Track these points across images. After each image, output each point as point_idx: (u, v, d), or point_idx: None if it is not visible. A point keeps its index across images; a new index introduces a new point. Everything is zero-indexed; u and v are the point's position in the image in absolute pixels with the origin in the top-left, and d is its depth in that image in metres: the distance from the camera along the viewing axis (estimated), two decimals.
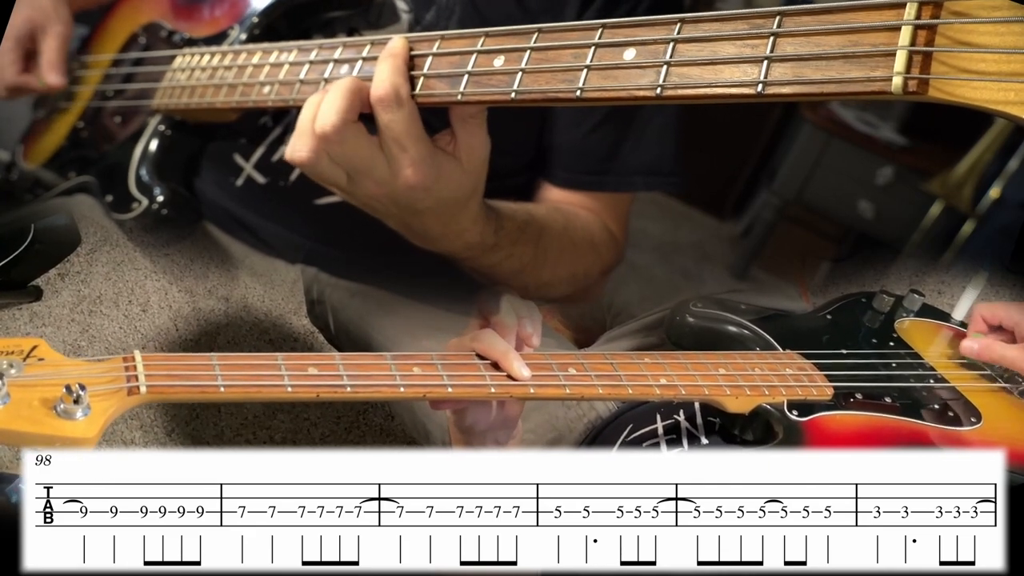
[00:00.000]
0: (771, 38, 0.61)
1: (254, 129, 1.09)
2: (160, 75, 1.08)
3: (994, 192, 1.62)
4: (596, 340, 1.10)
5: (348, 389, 0.65)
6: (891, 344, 0.86)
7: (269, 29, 1.07)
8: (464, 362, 0.69)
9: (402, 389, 0.66)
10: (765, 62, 0.61)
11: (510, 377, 0.68)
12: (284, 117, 1.09)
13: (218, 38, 1.08)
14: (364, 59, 0.82)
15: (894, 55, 0.57)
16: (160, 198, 1.04)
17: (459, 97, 0.75)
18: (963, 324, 0.92)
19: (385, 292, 1.09)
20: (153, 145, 1.07)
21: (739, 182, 2.02)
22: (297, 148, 0.79)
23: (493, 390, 0.68)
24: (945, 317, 0.93)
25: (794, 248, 1.90)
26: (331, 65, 0.85)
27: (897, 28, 0.57)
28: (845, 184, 1.84)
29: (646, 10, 1.02)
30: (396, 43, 0.77)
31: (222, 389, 0.61)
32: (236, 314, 1.13)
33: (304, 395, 0.64)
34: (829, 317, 0.89)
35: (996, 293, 1.07)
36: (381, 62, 0.77)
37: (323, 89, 0.79)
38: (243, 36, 1.06)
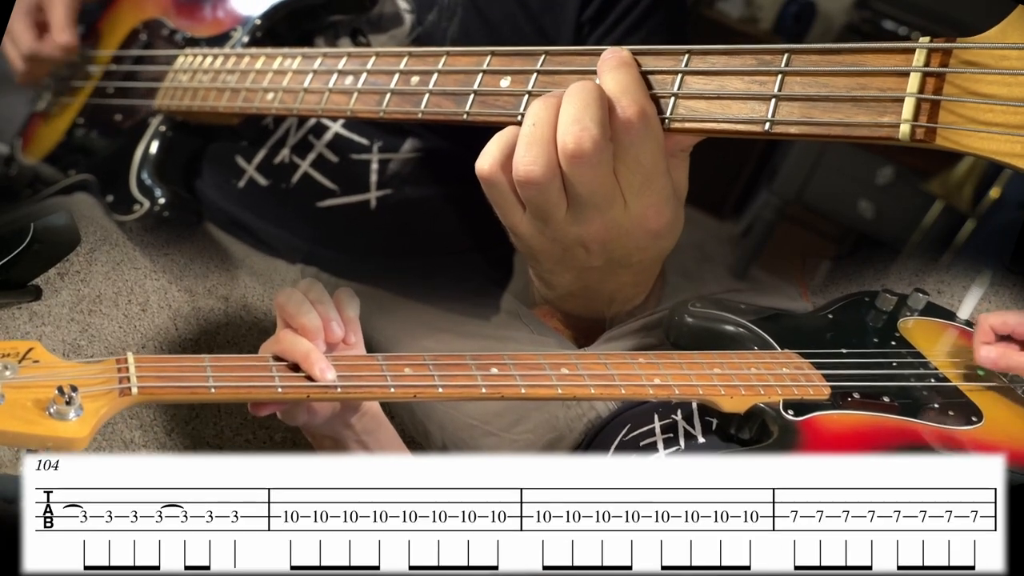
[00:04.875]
0: (779, 76, 0.61)
1: (256, 131, 1.09)
2: (162, 75, 1.08)
3: (994, 192, 1.62)
4: (596, 340, 1.10)
5: (338, 390, 0.65)
6: (892, 343, 0.86)
7: (271, 32, 1.07)
8: (455, 363, 0.69)
9: (392, 390, 0.66)
10: (773, 100, 0.61)
11: (497, 378, 0.68)
12: (285, 120, 1.09)
13: (220, 39, 1.08)
14: (369, 72, 0.82)
15: (902, 101, 0.56)
16: (161, 200, 1.04)
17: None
18: (969, 323, 0.91)
19: (385, 292, 1.09)
20: (154, 146, 1.07)
21: (739, 182, 2.01)
22: (527, 162, 0.63)
23: (484, 390, 0.67)
24: (950, 316, 0.92)
25: (794, 248, 1.90)
26: (335, 75, 0.85)
27: (906, 74, 0.57)
28: (845, 184, 1.84)
29: (645, 8, 1.02)
30: (626, 53, 0.65)
31: (212, 390, 0.61)
32: (236, 314, 1.13)
33: (294, 395, 0.64)
34: (830, 316, 0.89)
35: (996, 293, 1.07)
36: (618, 71, 0.64)
37: (550, 93, 0.66)
38: (245, 39, 1.06)
